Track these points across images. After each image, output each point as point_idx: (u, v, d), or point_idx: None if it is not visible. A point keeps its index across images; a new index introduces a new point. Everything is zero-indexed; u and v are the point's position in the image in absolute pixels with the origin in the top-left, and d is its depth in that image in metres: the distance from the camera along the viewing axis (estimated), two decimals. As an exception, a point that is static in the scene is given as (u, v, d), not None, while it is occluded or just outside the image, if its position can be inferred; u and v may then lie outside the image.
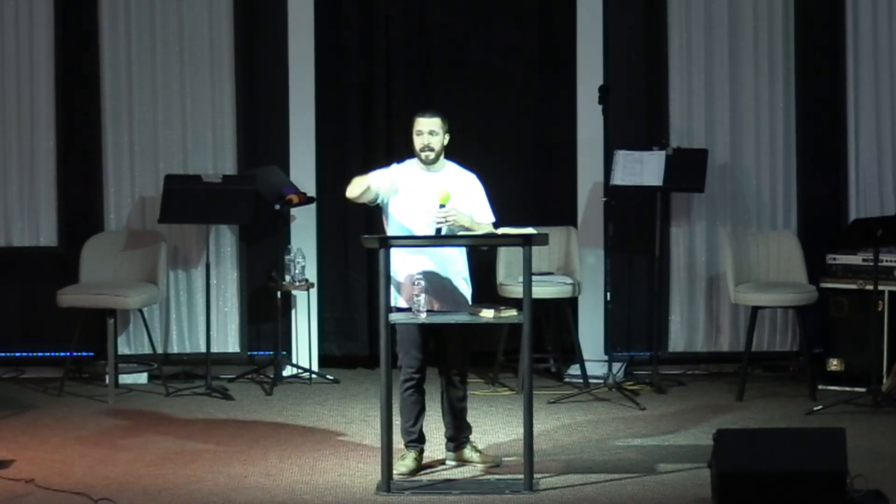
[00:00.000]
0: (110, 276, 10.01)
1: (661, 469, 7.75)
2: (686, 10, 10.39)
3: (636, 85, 10.47)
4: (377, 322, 8.06)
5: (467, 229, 7.56)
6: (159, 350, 10.19)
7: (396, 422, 7.60)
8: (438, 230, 7.48)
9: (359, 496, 7.28)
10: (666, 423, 8.85)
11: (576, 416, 9.04)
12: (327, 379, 10.11)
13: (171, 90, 10.36)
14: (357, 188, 7.68)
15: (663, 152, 9.87)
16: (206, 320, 9.95)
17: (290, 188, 10.04)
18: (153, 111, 10.37)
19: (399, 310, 7.59)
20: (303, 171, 10.27)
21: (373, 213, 7.82)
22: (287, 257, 10.01)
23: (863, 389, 9.18)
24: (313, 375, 10.14)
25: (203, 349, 9.99)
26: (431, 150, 7.67)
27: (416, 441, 7.75)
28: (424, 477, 7.63)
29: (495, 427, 8.71)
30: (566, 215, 10.33)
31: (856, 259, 9.72)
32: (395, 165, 7.84)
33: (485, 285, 9.78)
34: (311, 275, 10.20)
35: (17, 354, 10.34)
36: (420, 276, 7.46)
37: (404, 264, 7.62)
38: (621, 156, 9.86)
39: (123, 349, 10.26)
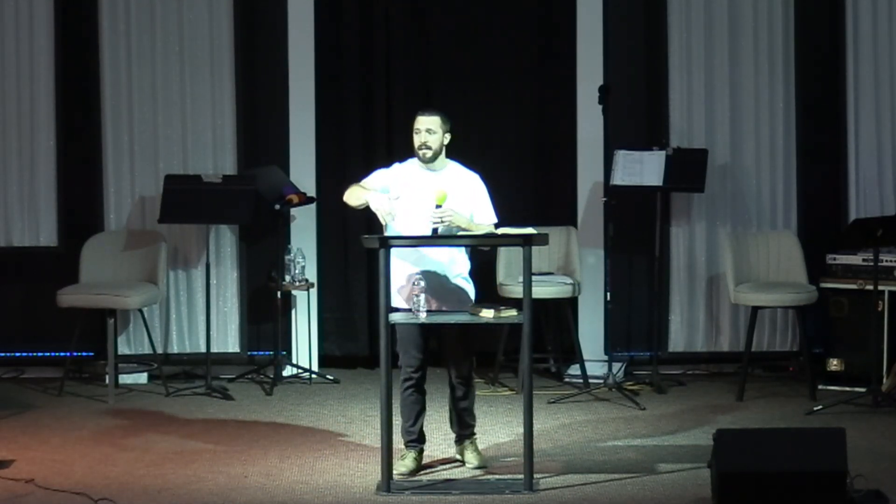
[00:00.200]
0: (110, 276, 10.01)
1: (661, 469, 7.75)
2: (686, 10, 10.39)
3: (636, 85, 10.47)
4: (377, 322, 8.07)
5: (465, 229, 7.55)
6: (159, 350, 10.19)
7: (396, 422, 7.60)
8: (435, 230, 7.48)
9: (359, 496, 7.28)
10: (666, 423, 8.85)
11: (576, 416, 9.04)
12: (327, 379, 10.11)
13: (171, 90, 10.37)
14: (354, 200, 7.69)
15: (663, 152, 9.87)
16: (206, 320, 9.95)
17: (290, 188, 10.04)
18: (153, 111, 10.37)
19: (398, 310, 7.58)
20: (303, 171, 10.27)
21: (372, 214, 7.81)
22: (287, 257, 10.01)
23: (863, 389, 9.18)
24: (313, 375, 10.14)
25: (203, 349, 10.00)
26: (429, 148, 7.67)
27: (416, 441, 7.75)
28: (424, 477, 7.63)
29: (495, 427, 8.71)
30: (566, 215, 10.33)
31: (856, 259, 9.73)
32: (396, 165, 7.84)
33: (485, 285, 9.77)
34: (311, 275, 10.20)
35: (17, 354, 10.34)
36: (420, 276, 7.46)
37: (403, 264, 7.62)
38: (621, 156, 9.86)
39: (123, 349, 10.26)
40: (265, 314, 10.37)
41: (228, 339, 10.44)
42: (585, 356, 9.98)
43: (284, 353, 10.21)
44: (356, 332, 10.60)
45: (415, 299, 7.44)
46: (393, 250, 7.51)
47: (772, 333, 10.40)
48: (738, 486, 6.81)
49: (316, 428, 8.78)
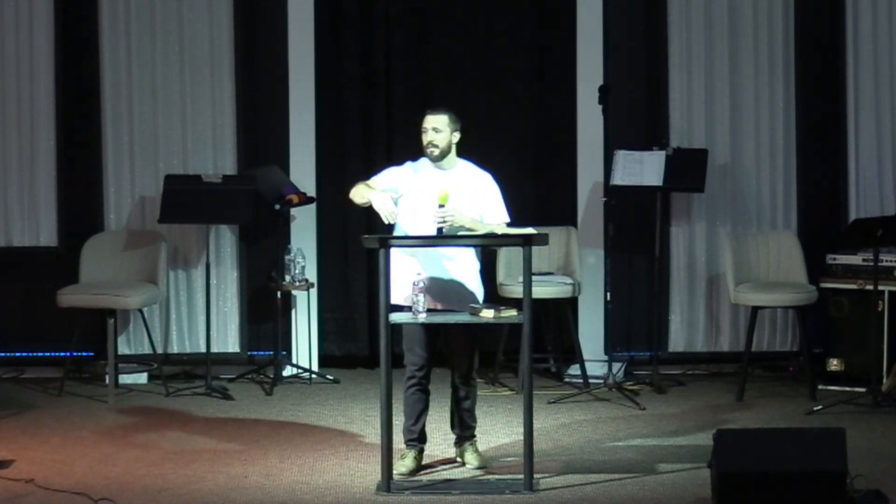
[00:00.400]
0: (110, 276, 10.01)
1: (661, 469, 7.75)
2: (686, 10, 10.40)
3: (636, 85, 10.47)
4: (377, 322, 8.07)
5: (469, 229, 7.55)
6: (159, 350, 10.20)
7: (396, 422, 7.60)
8: (440, 230, 7.48)
9: (359, 496, 7.28)
10: (666, 423, 8.85)
11: (576, 416, 9.04)
12: (327, 379, 10.11)
13: (171, 90, 10.37)
14: (359, 198, 7.69)
15: (663, 152, 9.87)
16: (206, 320, 9.95)
17: (290, 188, 10.04)
18: (153, 111, 10.37)
19: (400, 308, 7.57)
20: (303, 171, 10.27)
21: (373, 213, 7.81)
22: (287, 257, 10.01)
23: (863, 389, 9.18)
24: (313, 375, 10.15)
25: (203, 349, 10.00)
26: (435, 147, 7.67)
27: (416, 440, 7.75)
28: (424, 477, 7.63)
29: (495, 427, 8.71)
30: (566, 215, 10.34)
31: (856, 259, 9.72)
32: (409, 163, 7.83)
33: (485, 285, 9.77)
34: (311, 275, 10.20)
35: (17, 354, 10.34)
36: (420, 276, 7.46)
37: (410, 262, 7.62)
38: (621, 156, 9.86)
39: (123, 349, 10.26)
40: (265, 314, 10.37)
41: (228, 339, 10.44)
42: (585, 356, 9.98)
43: (284, 353, 10.21)
44: (356, 332, 10.60)
45: (414, 299, 7.44)
46: (400, 248, 7.51)
47: (772, 333, 10.40)
48: (738, 486, 6.81)
49: (316, 428, 8.78)
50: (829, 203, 10.42)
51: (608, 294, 9.80)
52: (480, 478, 7.61)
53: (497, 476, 7.61)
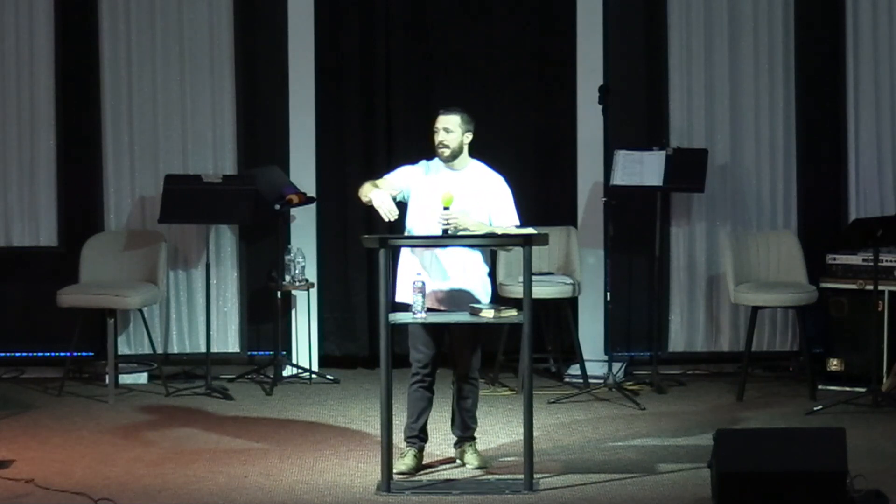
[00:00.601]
0: (110, 276, 10.01)
1: (661, 469, 7.75)
2: (686, 10, 10.39)
3: (636, 85, 10.47)
4: (377, 322, 8.07)
5: (473, 232, 7.55)
6: (159, 350, 10.19)
7: (397, 421, 7.60)
8: (444, 232, 7.49)
9: (359, 496, 7.28)
10: (666, 423, 8.85)
11: (576, 416, 9.04)
12: (327, 379, 10.11)
13: (171, 90, 10.37)
14: (363, 196, 7.70)
15: (663, 152, 9.87)
16: (206, 320, 9.95)
17: (290, 188, 10.04)
18: (153, 111, 10.37)
19: (406, 306, 7.58)
20: (303, 171, 10.27)
21: (373, 213, 7.82)
22: (287, 257, 10.01)
23: (863, 389, 9.18)
24: (313, 375, 10.14)
25: (203, 349, 9.99)
26: (446, 147, 7.67)
27: (416, 438, 7.75)
28: (424, 477, 7.63)
29: (495, 427, 8.71)
30: (566, 215, 10.33)
31: (856, 259, 9.72)
32: (423, 162, 7.83)
33: (485, 285, 9.81)
34: (311, 275, 10.20)
35: (17, 354, 10.35)
36: (419, 277, 7.46)
37: (413, 262, 7.63)
38: (621, 156, 9.86)
39: (123, 349, 10.26)
40: (265, 314, 10.37)
41: (228, 339, 10.44)
42: (585, 356, 9.98)
43: (284, 353, 10.21)
44: (356, 332, 10.60)
45: (413, 299, 7.43)
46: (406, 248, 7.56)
47: (772, 333, 10.40)
48: (738, 486, 6.81)
49: (316, 428, 8.78)
50: (829, 203, 10.42)
51: (608, 294, 9.80)
52: (480, 478, 7.61)
53: (497, 476, 7.61)
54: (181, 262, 10.41)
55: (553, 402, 9.38)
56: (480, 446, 7.94)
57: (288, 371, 10.19)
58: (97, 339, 10.07)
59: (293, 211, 10.21)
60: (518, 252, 7.64)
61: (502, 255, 9.94)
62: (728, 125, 10.40)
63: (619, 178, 9.81)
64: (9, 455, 7.95)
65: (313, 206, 10.26)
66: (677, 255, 10.45)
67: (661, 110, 10.43)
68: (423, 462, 7.79)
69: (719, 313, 10.44)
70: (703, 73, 10.40)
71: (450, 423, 7.95)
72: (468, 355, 7.73)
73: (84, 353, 10.14)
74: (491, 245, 7.82)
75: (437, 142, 7.69)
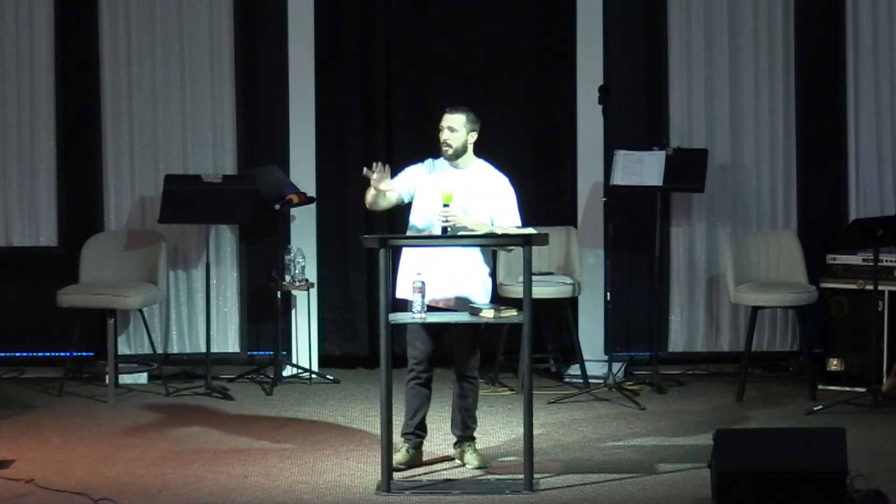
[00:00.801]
0: (110, 276, 10.01)
1: (661, 469, 7.75)
2: (686, 10, 10.39)
3: (636, 85, 10.47)
4: (377, 322, 8.08)
5: (472, 230, 7.56)
6: (159, 350, 10.20)
7: (397, 421, 7.61)
8: (444, 229, 7.50)
9: (359, 496, 7.28)
10: (666, 423, 8.85)
11: (576, 416, 9.04)
12: (327, 379, 10.11)
13: (171, 90, 10.37)
14: (369, 196, 7.71)
15: (663, 152, 9.87)
16: (206, 320, 9.95)
17: (290, 188, 10.04)
18: (153, 111, 10.37)
19: (405, 302, 7.59)
20: (303, 171, 10.27)
21: (373, 213, 7.84)
22: (287, 257, 10.01)
23: (863, 389, 9.18)
24: (313, 375, 10.14)
25: (203, 349, 9.99)
26: (449, 146, 7.70)
27: (412, 435, 7.76)
28: (424, 477, 7.63)
29: (495, 427, 8.71)
30: (566, 215, 10.33)
31: (856, 259, 9.72)
32: (428, 160, 7.85)
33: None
34: (311, 275, 10.20)
35: (17, 354, 10.35)
36: (419, 276, 7.46)
37: (414, 258, 7.65)
38: (621, 156, 9.86)
39: (123, 349, 10.26)
40: (265, 314, 10.37)
41: (228, 339, 10.44)
42: (585, 356, 9.98)
43: (284, 353, 10.21)
44: (356, 332, 10.60)
45: (413, 298, 7.43)
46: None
47: (772, 333, 10.40)
48: (738, 486, 6.81)
49: (316, 428, 8.78)
50: (829, 203, 10.42)
51: (608, 294, 9.81)
52: (480, 478, 7.61)
53: (497, 476, 7.61)
54: (181, 262, 10.41)
55: (553, 402, 9.38)
56: (480, 446, 7.94)
57: (288, 371, 10.19)
58: (97, 339, 10.07)
59: (293, 211, 10.21)
60: (518, 252, 7.64)
61: (502, 255, 9.93)
62: (728, 125, 10.40)
63: (619, 178, 9.81)
64: (9, 455, 7.95)
65: (313, 206, 10.26)
66: (677, 255, 10.45)
67: (661, 110, 10.43)
68: (423, 459, 7.79)
69: (719, 313, 10.44)
70: (703, 73, 10.40)
71: (450, 422, 7.95)
72: (467, 355, 7.74)
73: (84, 353, 10.14)
74: (491, 245, 7.82)
75: (441, 140, 7.71)
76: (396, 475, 7.46)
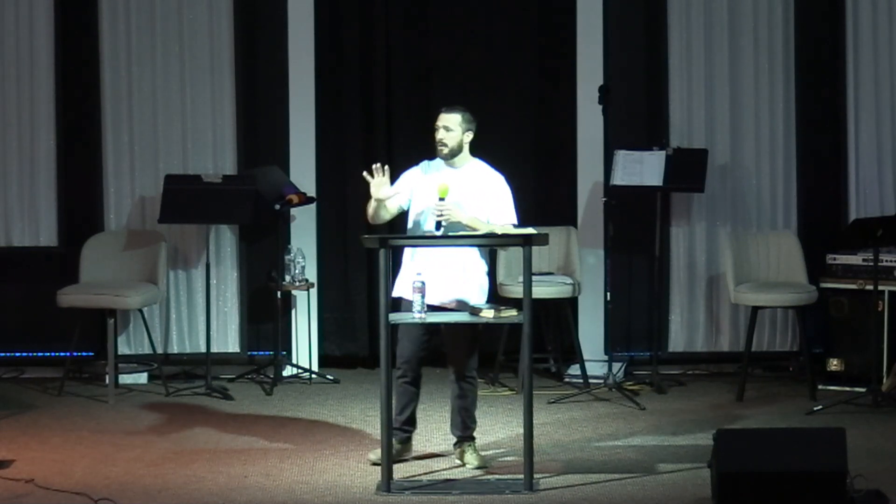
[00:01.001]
0: (110, 276, 10.01)
1: (661, 469, 7.75)
2: (686, 10, 10.39)
3: (636, 85, 10.47)
4: (377, 322, 8.07)
5: (466, 225, 7.57)
6: (159, 350, 10.19)
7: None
8: (438, 224, 7.52)
9: (359, 496, 7.28)
10: (666, 423, 8.85)
11: (576, 416, 9.04)
12: (327, 379, 10.11)
13: (171, 90, 10.37)
14: (370, 209, 7.74)
15: (663, 152, 9.87)
16: (206, 320, 9.95)
17: (290, 188, 10.04)
18: (153, 111, 10.37)
19: (401, 300, 7.59)
20: (303, 171, 10.27)
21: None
22: (287, 257, 10.01)
23: (863, 389, 9.19)
24: (313, 375, 10.15)
25: (203, 349, 9.99)
26: (445, 145, 7.73)
27: (398, 430, 7.78)
28: (424, 477, 7.63)
29: (495, 427, 8.71)
30: (566, 215, 10.33)
31: (856, 259, 9.72)
32: (423, 162, 7.89)
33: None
34: (311, 275, 10.20)
35: (17, 354, 10.34)
36: (419, 276, 7.46)
37: (417, 257, 7.65)
38: (621, 156, 9.86)
39: (123, 349, 10.26)
40: (265, 314, 10.37)
41: (228, 339, 10.44)
42: (585, 356, 9.98)
43: (284, 353, 10.21)
44: (356, 332, 10.60)
45: (413, 298, 7.43)
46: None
47: (772, 333, 10.40)
48: (738, 486, 6.81)
49: (316, 428, 8.78)
50: (829, 203, 10.42)
51: (608, 294, 9.80)
52: (480, 478, 7.61)
53: (497, 476, 7.61)
54: (181, 262, 10.41)
55: (553, 402, 9.38)
56: (480, 446, 7.94)
57: (288, 371, 10.19)
58: (97, 339, 10.07)
59: (293, 211, 10.21)
60: (518, 252, 7.64)
61: (502, 255, 9.94)
62: (728, 125, 10.40)
63: (619, 178, 9.81)
64: (9, 455, 7.95)
65: (313, 206, 10.26)
66: (677, 255, 10.45)
67: (661, 110, 10.43)
68: (412, 455, 7.83)
69: (719, 313, 10.44)
70: (703, 73, 10.40)
71: (449, 423, 7.95)
72: (464, 355, 7.75)
73: (84, 353, 10.14)
74: (491, 245, 7.83)
75: (437, 140, 7.73)
76: (396, 475, 7.45)
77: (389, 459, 7.36)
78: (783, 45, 10.38)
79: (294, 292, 10.20)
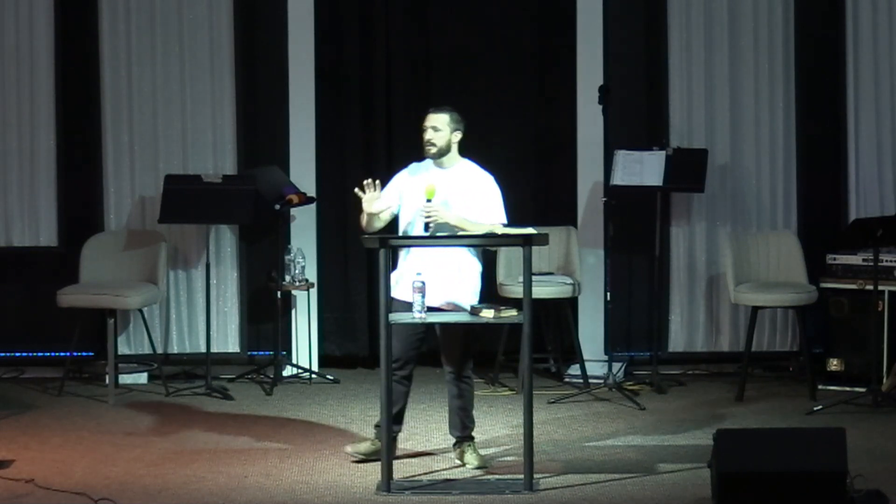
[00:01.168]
0: (110, 276, 10.01)
1: (661, 469, 7.75)
2: (686, 10, 10.39)
3: (636, 85, 10.47)
4: (377, 322, 8.07)
5: (455, 226, 7.57)
6: (159, 350, 10.19)
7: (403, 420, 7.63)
8: (426, 225, 7.52)
9: (359, 496, 7.28)
10: (666, 423, 8.85)
11: (576, 417, 9.04)
12: (327, 379, 10.11)
13: (171, 90, 10.37)
14: (363, 220, 7.78)
15: (663, 152, 9.87)
16: (206, 320, 9.95)
17: (290, 188, 10.04)
18: (153, 111, 10.37)
19: (402, 303, 7.59)
20: (303, 171, 10.27)
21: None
22: (287, 257, 10.01)
23: (863, 389, 9.18)
24: (313, 375, 10.15)
25: (203, 349, 9.99)
26: (433, 145, 7.74)
27: (379, 426, 7.77)
28: (424, 477, 7.63)
29: (495, 427, 8.71)
30: (566, 215, 10.33)
31: (856, 259, 9.72)
32: (412, 164, 7.89)
33: (485, 285, 9.77)
34: (311, 275, 10.20)
35: (17, 354, 10.34)
36: (420, 276, 7.45)
37: (407, 257, 7.66)
38: (621, 156, 9.86)
39: (123, 349, 10.26)
40: (265, 314, 10.37)
41: (228, 339, 10.44)
42: (585, 356, 9.98)
43: (284, 353, 10.21)
44: (356, 332, 10.60)
45: (414, 298, 7.43)
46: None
47: (772, 333, 10.40)
48: (738, 486, 6.81)
49: (316, 428, 8.78)
50: (829, 203, 10.41)
51: (608, 294, 9.80)
52: (480, 478, 7.61)
53: (497, 476, 7.61)
54: (181, 262, 10.41)
55: (553, 402, 9.38)
56: (480, 446, 7.94)
57: (288, 371, 10.19)
58: (97, 339, 10.07)
59: (293, 211, 10.21)
60: (518, 252, 7.64)
61: (502, 255, 9.94)
62: (728, 125, 10.40)
63: (619, 178, 9.81)
64: (9, 455, 7.95)
65: (313, 206, 10.27)
66: (677, 255, 10.45)
67: (661, 110, 10.43)
68: (412, 455, 7.86)
69: (719, 313, 10.44)
70: (703, 73, 10.40)
71: (448, 424, 7.95)
72: (457, 355, 7.75)
73: (84, 353, 10.14)
74: (491, 245, 7.82)
75: (424, 140, 7.75)
76: (396, 475, 7.45)
77: (389, 459, 7.36)
78: (783, 45, 10.38)
79: (294, 292, 10.20)
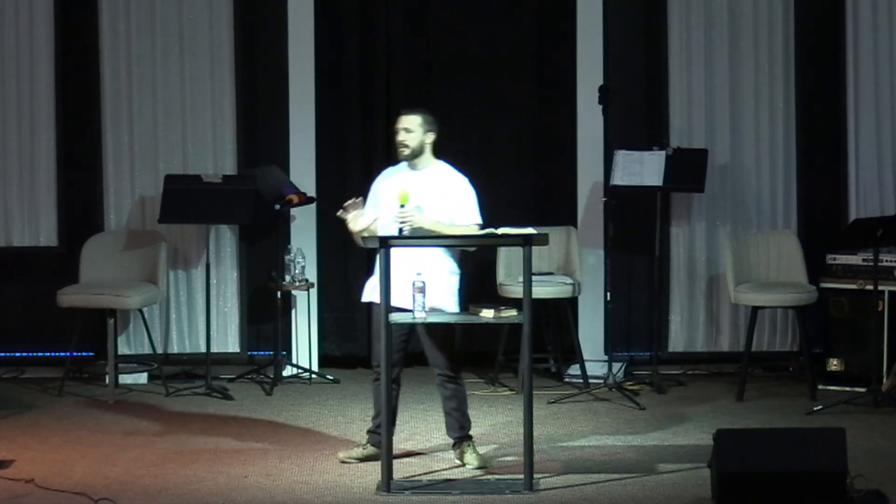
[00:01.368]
0: (110, 276, 10.01)
1: (661, 469, 7.75)
2: (686, 10, 10.39)
3: (636, 85, 10.47)
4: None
5: (429, 230, 7.56)
6: (159, 350, 10.20)
7: (398, 422, 7.61)
8: (400, 230, 7.52)
9: (359, 496, 7.28)
10: (666, 423, 8.85)
11: (576, 416, 9.05)
12: (327, 379, 10.11)
13: (171, 90, 10.37)
14: (355, 238, 7.78)
15: (663, 152, 9.87)
16: (206, 320, 9.95)
17: (290, 188, 10.04)
18: (153, 111, 10.37)
19: (378, 307, 7.59)
20: (303, 171, 10.27)
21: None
22: (287, 257, 10.01)
23: (863, 389, 9.19)
24: (313, 375, 10.15)
25: (203, 349, 9.99)
26: (406, 147, 7.75)
27: (374, 433, 7.79)
28: (424, 477, 7.63)
29: (495, 427, 8.71)
30: (566, 215, 10.33)
31: (856, 259, 9.72)
32: (387, 169, 7.91)
33: (485, 285, 9.79)
34: (311, 275, 10.20)
35: (17, 354, 10.34)
36: (420, 276, 7.45)
37: (398, 263, 7.64)
38: (621, 156, 9.86)
39: (123, 349, 10.26)
40: (265, 314, 10.37)
41: (228, 339, 10.44)
42: (585, 356, 9.98)
43: (284, 353, 10.21)
44: (356, 332, 10.60)
45: (414, 298, 7.42)
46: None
47: (772, 333, 10.40)
48: (738, 486, 6.81)
49: (316, 428, 8.78)
50: (829, 203, 10.42)
51: (608, 294, 9.80)
52: (480, 478, 7.61)
53: (497, 476, 7.61)
54: (181, 262, 10.41)
55: (553, 402, 9.38)
56: (480, 446, 7.94)
57: (288, 371, 10.19)
58: (97, 339, 10.06)
59: (293, 211, 10.21)
60: (518, 252, 7.64)
61: (502, 255, 9.94)
62: (728, 125, 10.40)
63: (619, 178, 9.81)
64: (9, 455, 7.95)
65: (313, 206, 10.27)
66: (677, 255, 10.45)
67: (661, 110, 10.43)
68: (413, 454, 7.83)
69: (719, 313, 10.44)
70: (703, 73, 10.40)
71: (445, 426, 7.93)
72: (441, 355, 7.73)
73: (84, 353, 10.14)
74: (491, 245, 7.82)
75: (397, 142, 7.76)
76: (396, 475, 7.46)
77: (389, 459, 7.36)
78: (783, 45, 10.38)
79: (294, 292, 10.20)
